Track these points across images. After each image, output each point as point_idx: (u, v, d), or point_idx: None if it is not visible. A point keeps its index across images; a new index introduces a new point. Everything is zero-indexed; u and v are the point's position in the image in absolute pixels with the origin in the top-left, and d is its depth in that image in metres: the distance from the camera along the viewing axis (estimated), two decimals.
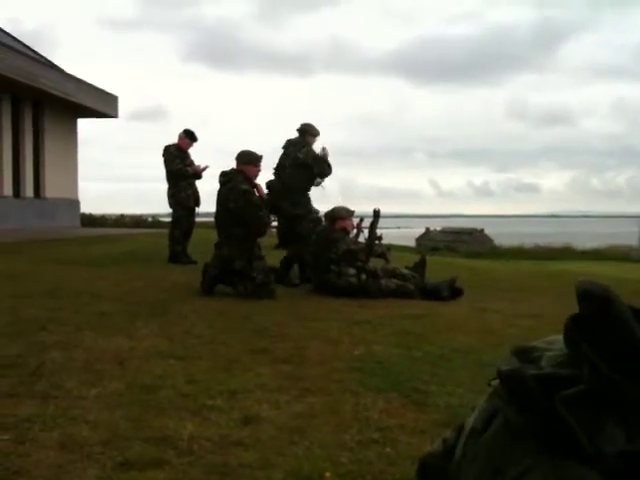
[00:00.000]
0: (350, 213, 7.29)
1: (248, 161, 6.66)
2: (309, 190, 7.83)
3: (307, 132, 7.90)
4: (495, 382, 0.93)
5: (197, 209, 9.55)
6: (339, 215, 7.16)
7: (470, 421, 0.92)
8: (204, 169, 9.40)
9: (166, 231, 9.80)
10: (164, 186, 9.37)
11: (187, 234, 9.36)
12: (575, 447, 0.74)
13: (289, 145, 7.87)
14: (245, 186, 6.49)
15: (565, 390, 0.76)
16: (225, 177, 6.60)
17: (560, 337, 0.88)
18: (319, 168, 7.69)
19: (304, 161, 7.67)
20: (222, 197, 6.55)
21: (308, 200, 7.83)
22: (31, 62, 15.97)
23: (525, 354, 0.86)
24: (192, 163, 9.40)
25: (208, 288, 6.40)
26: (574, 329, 0.82)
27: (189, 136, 9.40)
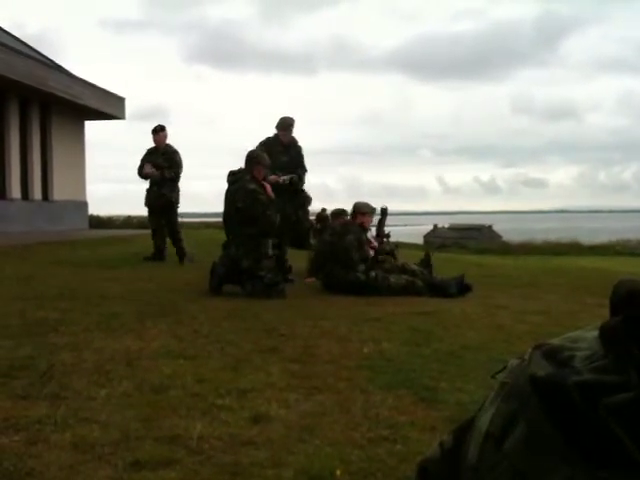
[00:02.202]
0: (372, 210, 7.39)
1: (257, 162, 6.68)
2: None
3: (279, 127, 7.60)
4: (501, 375, 0.89)
5: (177, 209, 9.44)
6: (360, 210, 7.25)
7: (484, 422, 0.88)
8: (148, 172, 9.22)
9: None
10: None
11: (155, 232, 9.37)
12: (618, 458, 0.70)
13: (263, 145, 7.59)
14: (253, 185, 6.52)
15: (609, 397, 0.71)
16: (233, 177, 6.63)
17: (583, 334, 0.84)
18: (301, 171, 7.54)
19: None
20: (231, 197, 6.58)
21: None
22: (38, 65, 16.02)
23: (556, 354, 0.81)
24: (151, 163, 9.28)
25: (216, 287, 6.40)
26: (622, 331, 0.77)
27: (152, 132, 9.38)
